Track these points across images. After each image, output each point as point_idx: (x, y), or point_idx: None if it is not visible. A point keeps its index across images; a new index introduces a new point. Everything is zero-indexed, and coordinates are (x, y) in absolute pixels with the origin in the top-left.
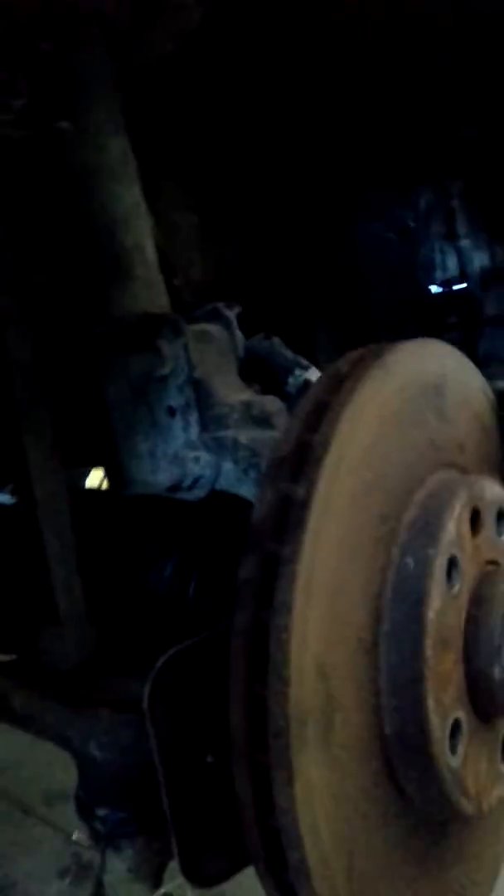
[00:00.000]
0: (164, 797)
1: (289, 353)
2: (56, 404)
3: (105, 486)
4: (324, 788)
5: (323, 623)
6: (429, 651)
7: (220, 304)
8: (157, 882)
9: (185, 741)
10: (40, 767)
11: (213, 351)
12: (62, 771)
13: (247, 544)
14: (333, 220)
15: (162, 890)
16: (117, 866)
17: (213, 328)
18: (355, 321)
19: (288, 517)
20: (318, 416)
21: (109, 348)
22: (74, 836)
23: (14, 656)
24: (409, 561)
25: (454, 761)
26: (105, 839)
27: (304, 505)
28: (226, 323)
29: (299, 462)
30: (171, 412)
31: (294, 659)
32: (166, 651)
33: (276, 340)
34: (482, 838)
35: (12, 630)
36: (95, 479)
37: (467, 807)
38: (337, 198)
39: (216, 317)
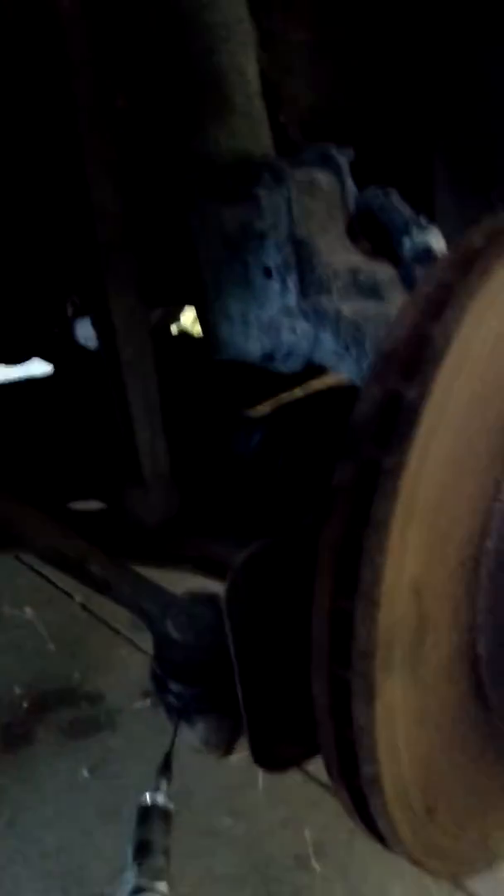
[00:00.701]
0: (239, 689)
1: (406, 210)
2: (144, 254)
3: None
4: (406, 709)
5: (422, 542)
6: None
7: (332, 148)
8: (227, 753)
9: (263, 638)
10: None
11: (319, 204)
12: None
13: (345, 445)
14: (461, 43)
15: (233, 757)
16: (189, 737)
17: (322, 176)
18: (484, 173)
19: (395, 421)
20: (441, 301)
21: (202, 195)
22: None
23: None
24: None
25: None
26: (178, 712)
27: (415, 409)
28: (336, 170)
29: (414, 357)
30: (268, 273)
31: (388, 581)
32: (247, 528)
33: (394, 194)
34: None
35: (100, 481)
36: (190, 316)
37: None
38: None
39: (326, 162)
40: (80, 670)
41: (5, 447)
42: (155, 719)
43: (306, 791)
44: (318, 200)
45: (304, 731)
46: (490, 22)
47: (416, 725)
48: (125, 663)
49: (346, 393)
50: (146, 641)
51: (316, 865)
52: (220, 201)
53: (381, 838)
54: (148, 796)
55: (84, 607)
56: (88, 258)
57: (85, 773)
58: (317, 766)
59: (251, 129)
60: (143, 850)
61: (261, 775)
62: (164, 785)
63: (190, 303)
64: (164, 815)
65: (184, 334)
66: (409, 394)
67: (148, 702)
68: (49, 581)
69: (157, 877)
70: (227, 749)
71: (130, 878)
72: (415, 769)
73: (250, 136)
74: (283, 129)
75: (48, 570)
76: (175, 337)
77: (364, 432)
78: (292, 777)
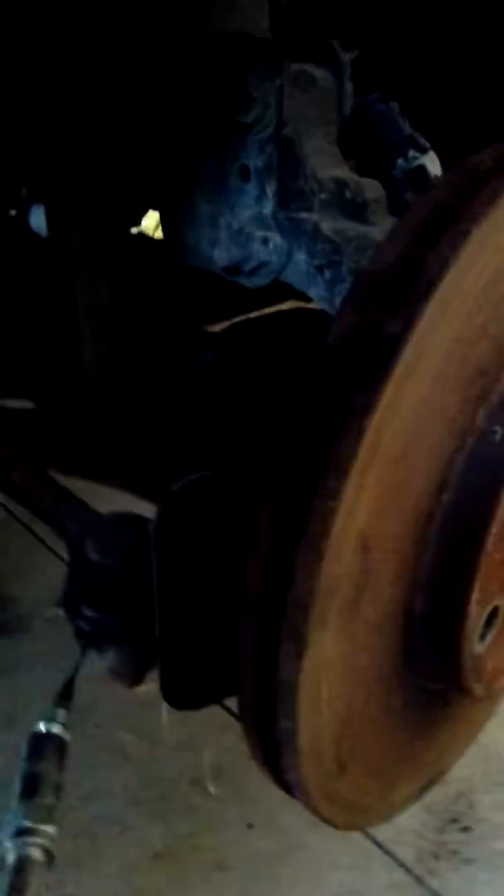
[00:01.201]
0: (157, 624)
1: (406, 127)
2: (110, 128)
3: (159, 234)
4: (334, 665)
5: (379, 492)
6: (491, 533)
7: (336, 42)
8: (135, 683)
9: (189, 572)
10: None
11: (313, 103)
12: None
13: (310, 375)
14: None
15: (139, 689)
16: (97, 663)
17: (319, 73)
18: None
19: (370, 356)
20: (437, 226)
21: (184, 72)
22: None
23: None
24: (498, 430)
25: (479, 648)
26: (88, 639)
27: (395, 344)
28: (336, 68)
29: (400, 285)
30: (245, 174)
31: (337, 531)
32: (187, 450)
33: (395, 106)
34: (476, 708)
35: (35, 378)
36: (152, 220)
37: (478, 690)
38: None
39: (326, 58)
40: None
41: None
42: (66, 629)
43: (211, 714)
44: (313, 99)
45: (219, 673)
46: None
47: (342, 682)
48: (43, 570)
49: (312, 318)
50: (65, 550)
51: (211, 788)
52: (205, 83)
53: (286, 788)
54: (42, 725)
55: (6, 508)
56: (47, 130)
57: None
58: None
59: (247, 8)
60: (31, 787)
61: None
62: (61, 714)
63: (154, 203)
64: (59, 746)
65: (143, 236)
66: (390, 327)
67: (61, 611)
68: None
69: (45, 819)
70: (136, 680)
71: (14, 817)
72: (333, 726)
73: (245, 17)
74: (283, 13)
75: None
76: (133, 237)
77: (333, 365)
78: None
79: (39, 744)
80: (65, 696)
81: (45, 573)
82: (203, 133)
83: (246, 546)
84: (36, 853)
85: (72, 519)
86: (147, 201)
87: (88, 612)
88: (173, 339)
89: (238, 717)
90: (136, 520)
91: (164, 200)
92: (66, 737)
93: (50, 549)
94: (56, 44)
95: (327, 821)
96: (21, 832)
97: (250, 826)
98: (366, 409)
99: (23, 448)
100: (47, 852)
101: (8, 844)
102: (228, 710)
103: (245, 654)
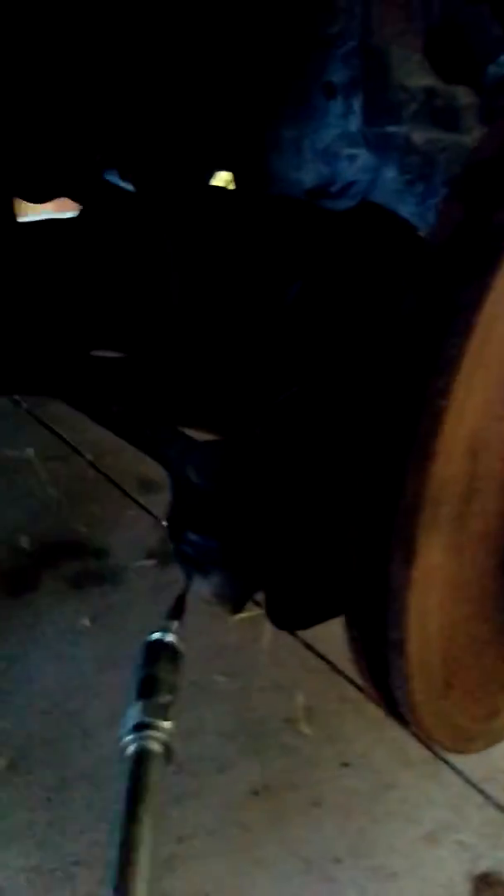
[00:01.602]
0: (262, 540)
1: (497, 29)
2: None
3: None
4: (442, 574)
5: (488, 393)
6: None
7: None
8: (237, 609)
9: (293, 487)
10: (140, 456)
11: (398, 8)
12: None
13: (415, 273)
14: None
15: (241, 615)
16: (201, 588)
17: None
18: None
19: (478, 247)
20: None
21: None
22: (164, 523)
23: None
24: None
25: None
26: (193, 563)
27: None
28: None
29: None
30: (331, 90)
31: (447, 431)
32: (282, 383)
33: (486, 9)
34: None
35: (126, 328)
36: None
37: None
38: None
39: None
40: (87, 526)
41: (28, 288)
42: (159, 578)
43: (302, 656)
44: (399, 4)
45: (324, 590)
46: None
47: (449, 594)
48: (132, 523)
49: (399, 239)
50: (154, 504)
51: (305, 728)
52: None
53: (393, 706)
54: (156, 634)
55: (94, 466)
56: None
57: (86, 621)
58: (313, 632)
59: None
60: (147, 687)
61: (260, 637)
62: (174, 625)
63: (227, 162)
64: (173, 653)
65: (218, 187)
66: (500, 215)
67: (153, 562)
68: (61, 438)
69: (162, 715)
70: (238, 606)
71: (133, 714)
72: (441, 640)
73: None
74: None
75: (61, 428)
76: (210, 187)
77: (439, 260)
78: (289, 642)
79: (154, 649)
80: (177, 610)
81: (134, 527)
82: (286, 53)
83: (350, 458)
84: (155, 746)
85: (173, 446)
86: (220, 159)
87: (192, 537)
88: (258, 278)
89: (327, 661)
90: (238, 445)
91: (246, 130)
92: (180, 646)
93: (138, 503)
94: None
95: (433, 739)
96: (140, 727)
97: (345, 765)
98: (474, 304)
99: (120, 387)
100: (166, 747)
101: (128, 739)
102: (319, 654)
103: (353, 565)
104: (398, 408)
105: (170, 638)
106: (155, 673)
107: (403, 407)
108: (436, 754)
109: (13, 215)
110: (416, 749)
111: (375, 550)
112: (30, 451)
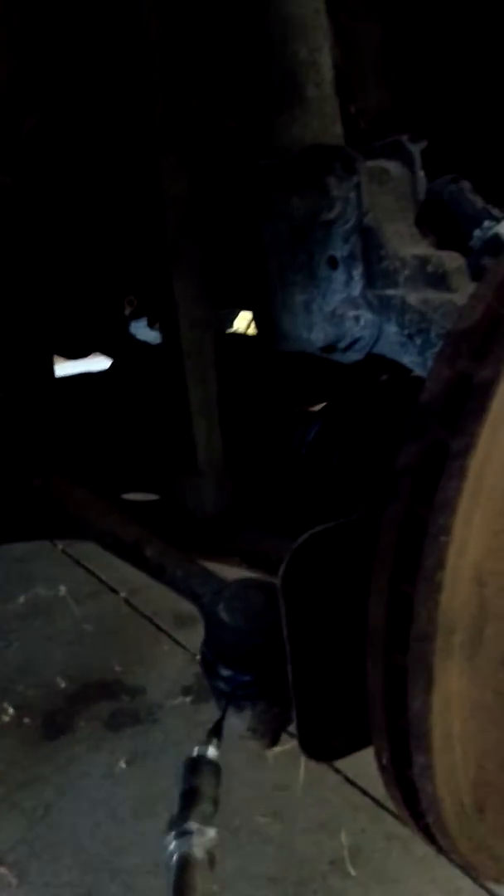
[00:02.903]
0: (290, 674)
1: (478, 201)
2: (210, 244)
3: (252, 331)
4: (462, 698)
5: (488, 527)
6: None
7: (404, 137)
8: (273, 743)
9: (318, 622)
10: (172, 591)
11: (389, 193)
12: None
13: (410, 426)
14: None
15: (277, 749)
16: (236, 723)
17: (392, 166)
18: None
19: (464, 402)
20: None
21: (271, 184)
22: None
23: (154, 496)
24: None
25: None
26: (227, 697)
27: (487, 390)
28: (407, 160)
29: (487, 337)
30: (334, 263)
31: (450, 564)
32: (300, 520)
33: (466, 184)
34: None
35: (155, 472)
36: (243, 321)
37: None
38: None
39: (397, 152)
40: (121, 663)
41: (66, 438)
42: (194, 716)
43: (344, 793)
44: (388, 190)
45: (354, 720)
46: None
47: (472, 717)
48: (166, 659)
49: (404, 386)
50: (188, 639)
51: (351, 870)
52: (289, 190)
53: (427, 833)
54: (197, 749)
55: (128, 602)
56: (157, 247)
57: (122, 765)
58: (356, 768)
59: (323, 119)
60: (191, 797)
61: (301, 775)
62: (214, 743)
63: (248, 304)
64: (214, 768)
65: (238, 334)
66: (481, 374)
67: (188, 699)
68: (94, 575)
69: (207, 822)
70: (273, 738)
71: (180, 821)
72: (467, 763)
73: (322, 127)
74: (355, 121)
75: (95, 566)
76: (231, 335)
77: (432, 413)
78: (331, 778)
79: (195, 765)
80: (215, 731)
81: (169, 663)
82: (293, 234)
83: (368, 590)
84: (199, 852)
85: (204, 586)
86: (243, 299)
87: (225, 672)
88: (277, 423)
89: (371, 797)
90: (263, 582)
91: (259, 298)
92: (220, 762)
93: (173, 638)
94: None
95: (470, 865)
96: (183, 833)
97: None
98: (465, 449)
99: (152, 529)
100: (209, 853)
101: (172, 846)
102: (362, 789)
103: (375, 694)
104: (408, 544)
105: (210, 751)
106: (197, 785)
107: (412, 543)
108: (490, 892)
109: (52, 371)
110: (468, 886)
111: (394, 678)
112: (62, 589)
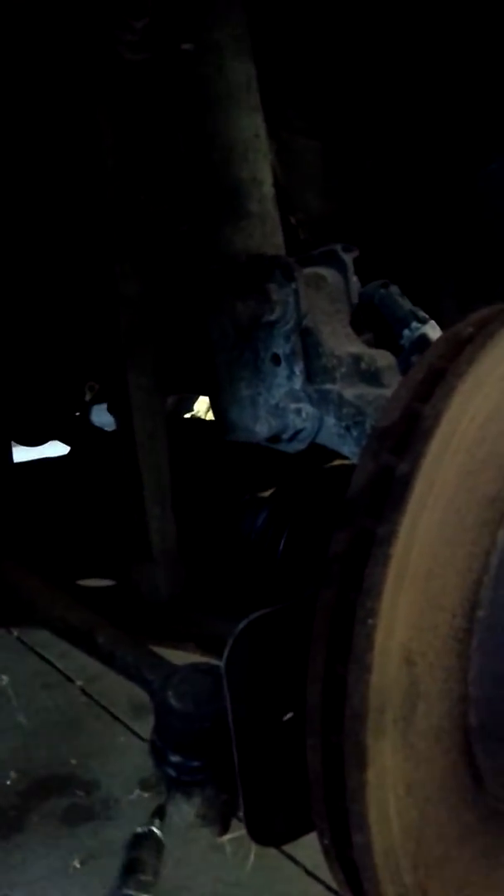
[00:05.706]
0: (235, 757)
1: (406, 304)
2: (163, 339)
3: (210, 416)
4: (397, 775)
5: (413, 609)
6: None
7: (338, 247)
8: (223, 830)
9: (261, 705)
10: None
11: (325, 297)
12: None
13: (340, 516)
14: (465, 158)
15: (227, 837)
16: (185, 810)
17: (328, 272)
18: (488, 276)
19: (387, 493)
20: (431, 384)
21: (218, 287)
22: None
23: (107, 582)
24: None
25: None
26: (175, 784)
27: (407, 482)
28: (341, 267)
29: (405, 434)
30: (276, 360)
31: (379, 645)
32: (250, 604)
33: (394, 289)
34: None
35: (110, 558)
36: (203, 404)
37: None
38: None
39: (332, 260)
40: (76, 756)
41: (21, 524)
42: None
43: (304, 885)
44: (324, 294)
45: (300, 803)
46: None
47: (407, 794)
48: (124, 750)
49: (346, 472)
50: (144, 729)
51: None
52: (235, 295)
53: None
54: (140, 828)
55: (83, 691)
56: (112, 344)
57: (76, 863)
58: (316, 861)
59: (265, 231)
60: (132, 866)
61: (254, 868)
62: (156, 822)
63: (203, 390)
64: (157, 844)
65: (195, 419)
66: (401, 467)
67: (146, 794)
68: (50, 663)
69: (144, 889)
70: (224, 825)
71: (116, 890)
72: (406, 841)
73: (264, 238)
74: (295, 231)
75: (50, 654)
76: (186, 421)
77: (358, 504)
78: (292, 870)
79: (139, 839)
80: (158, 813)
81: (126, 754)
82: (239, 334)
83: (307, 672)
84: None
85: (153, 671)
86: (197, 387)
87: (174, 758)
88: (227, 508)
89: (331, 889)
90: (211, 667)
91: (211, 388)
92: (163, 840)
93: (130, 728)
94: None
95: None
96: None
97: None
98: (389, 536)
99: (104, 616)
100: None
101: None
102: (320, 880)
103: (314, 774)
104: (340, 627)
105: (153, 828)
106: (139, 856)
107: (343, 627)
108: None
109: (10, 457)
110: None
111: (333, 758)
112: (4, 679)
